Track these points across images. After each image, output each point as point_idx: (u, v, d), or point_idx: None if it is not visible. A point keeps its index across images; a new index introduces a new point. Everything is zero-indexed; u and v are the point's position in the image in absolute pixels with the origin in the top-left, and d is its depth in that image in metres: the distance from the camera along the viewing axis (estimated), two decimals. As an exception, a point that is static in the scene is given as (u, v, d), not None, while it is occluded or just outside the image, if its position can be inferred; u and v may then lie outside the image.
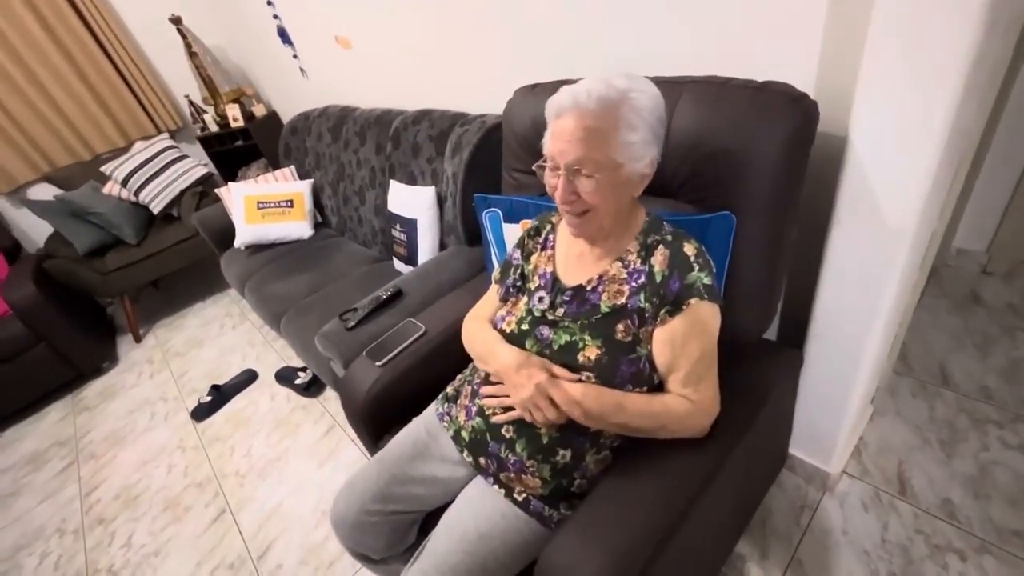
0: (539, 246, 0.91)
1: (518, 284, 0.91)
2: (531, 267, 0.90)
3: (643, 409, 0.74)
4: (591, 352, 0.76)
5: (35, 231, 2.70)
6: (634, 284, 0.77)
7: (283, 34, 2.30)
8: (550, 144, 0.74)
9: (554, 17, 1.19)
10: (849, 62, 0.76)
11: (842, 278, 0.91)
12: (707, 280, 0.74)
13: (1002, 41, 0.76)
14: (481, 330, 0.91)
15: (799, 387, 1.10)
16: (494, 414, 0.83)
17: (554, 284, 0.84)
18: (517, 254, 0.94)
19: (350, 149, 1.96)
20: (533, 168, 0.80)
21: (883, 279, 0.85)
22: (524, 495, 0.82)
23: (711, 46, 0.94)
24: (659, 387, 0.79)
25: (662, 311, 0.74)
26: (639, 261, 0.78)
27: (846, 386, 1.03)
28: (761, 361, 0.95)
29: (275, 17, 2.26)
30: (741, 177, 0.80)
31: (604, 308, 0.78)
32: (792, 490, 1.23)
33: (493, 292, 0.98)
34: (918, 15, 0.64)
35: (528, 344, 0.82)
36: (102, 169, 2.56)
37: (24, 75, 2.47)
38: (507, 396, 0.80)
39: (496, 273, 0.98)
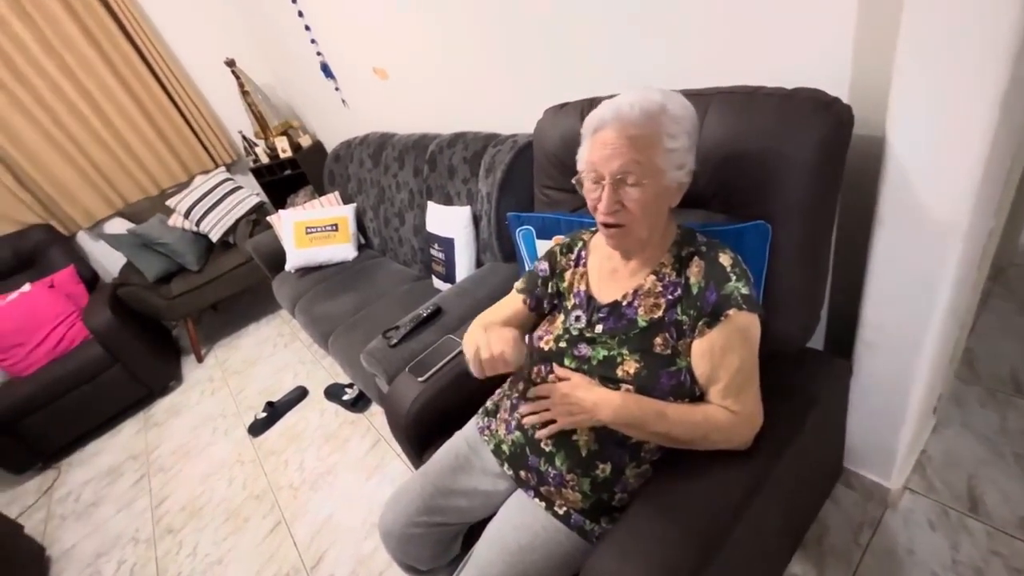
0: (572, 263, 0.92)
1: (555, 302, 0.92)
2: (565, 284, 0.91)
3: (685, 418, 0.74)
4: (629, 366, 0.77)
5: (111, 262, 2.95)
6: (670, 297, 0.78)
7: (326, 69, 2.45)
8: (590, 156, 0.75)
9: (580, 37, 1.22)
10: (883, 61, 0.74)
11: (889, 281, 0.87)
12: (745, 290, 0.74)
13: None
14: (473, 332, 0.91)
15: (851, 398, 1.05)
16: (534, 428, 0.85)
17: (589, 302, 0.85)
18: (544, 266, 0.94)
19: (389, 173, 2.05)
20: (572, 182, 0.81)
21: (935, 280, 0.82)
22: (565, 508, 0.83)
23: (739, 57, 0.94)
24: (700, 400, 0.78)
25: (700, 323, 0.74)
26: (674, 273, 0.79)
27: (902, 395, 0.98)
28: (806, 371, 0.93)
29: (318, 54, 2.41)
30: (774, 186, 0.79)
31: (641, 322, 0.79)
32: (850, 506, 1.17)
33: (510, 300, 0.97)
34: (953, 6, 0.62)
35: (567, 361, 0.83)
36: (167, 203, 2.80)
37: (101, 121, 2.74)
38: (546, 411, 0.81)
39: (520, 284, 0.98)
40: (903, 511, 1.13)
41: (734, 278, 0.74)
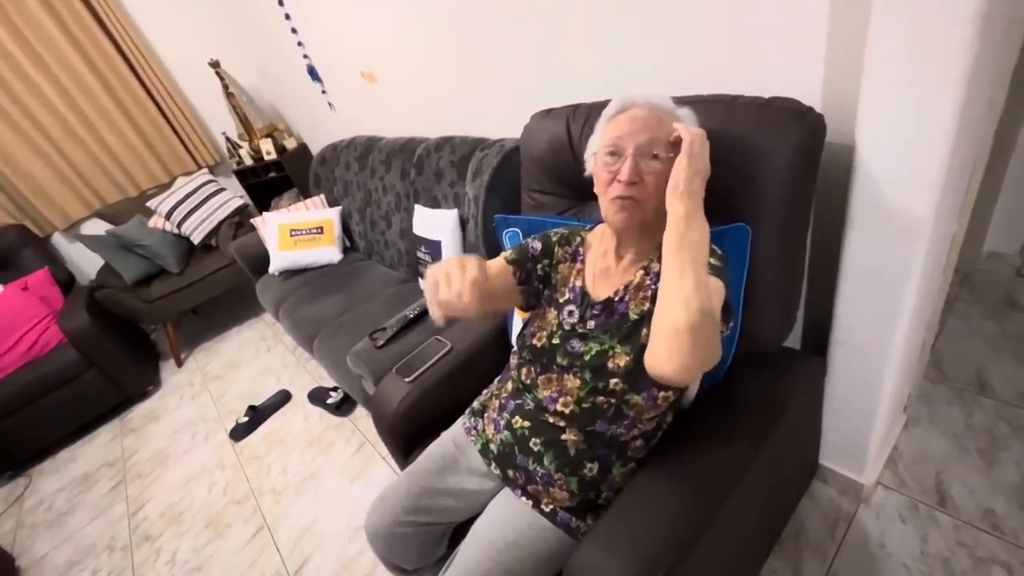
0: (569, 256, 0.92)
1: (539, 287, 0.92)
2: (559, 276, 0.91)
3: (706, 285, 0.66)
4: (620, 360, 0.78)
5: (88, 264, 2.89)
6: (654, 287, 0.80)
7: (312, 72, 2.45)
8: (614, 132, 0.78)
9: (566, 46, 1.25)
10: (852, 74, 0.78)
11: (860, 283, 0.91)
12: (715, 262, 0.74)
13: (1004, 42, 0.78)
14: None
15: (825, 396, 1.09)
16: (522, 427, 0.86)
17: (583, 298, 0.87)
18: (537, 245, 0.92)
19: (376, 176, 2.05)
20: (585, 157, 0.85)
21: (901, 282, 0.86)
22: (551, 506, 0.84)
23: (718, 67, 0.98)
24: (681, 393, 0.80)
25: None
26: (659, 266, 0.81)
27: (873, 393, 1.02)
28: (782, 370, 0.96)
29: (305, 57, 2.41)
30: (753, 190, 0.82)
31: (632, 316, 0.81)
32: (825, 502, 1.21)
33: (494, 262, 0.91)
34: (913, 25, 0.66)
35: (559, 357, 0.84)
36: (148, 204, 2.75)
37: (79, 120, 2.69)
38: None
39: (511, 254, 0.92)
40: (875, 506, 1.17)
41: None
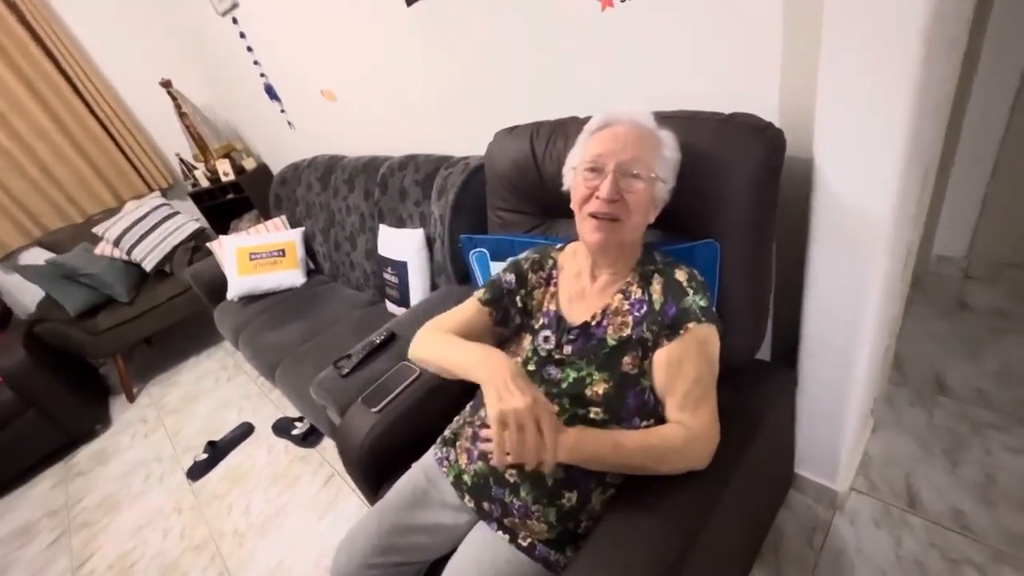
0: (543, 281, 0.90)
1: (520, 320, 0.90)
2: (535, 302, 0.89)
3: (640, 444, 0.73)
4: (599, 387, 0.76)
5: (27, 296, 2.69)
6: (637, 314, 0.79)
7: (270, 90, 2.38)
8: (596, 148, 0.77)
9: (528, 66, 1.25)
10: (808, 88, 0.80)
11: (825, 294, 0.92)
12: (702, 303, 0.75)
13: (946, 55, 0.81)
14: (443, 341, 0.85)
15: (797, 406, 1.10)
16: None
17: (559, 323, 0.85)
18: (510, 278, 0.91)
19: (339, 196, 2.00)
20: (564, 171, 0.84)
21: (864, 291, 0.87)
22: (529, 540, 0.80)
23: (677, 83, 0.99)
24: (663, 423, 0.78)
25: (661, 336, 0.75)
26: (640, 291, 0.80)
27: (841, 400, 1.03)
28: (755, 382, 0.96)
29: (262, 75, 2.34)
30: (717, 206, 0.83)
31: (611, 342, 0.79)
32: (802, 511, 1.21)
33: (469, 307, 0.91)
34: (864, 40, 0.68)
35: (536, 384, 0.82)
36: (94, 230, 2.59)
37: (13, 141, 2.52)
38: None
39: (483, 294, 0.91)
40: (850, 512, 1.18)
41: (691, 292, 0.76)
